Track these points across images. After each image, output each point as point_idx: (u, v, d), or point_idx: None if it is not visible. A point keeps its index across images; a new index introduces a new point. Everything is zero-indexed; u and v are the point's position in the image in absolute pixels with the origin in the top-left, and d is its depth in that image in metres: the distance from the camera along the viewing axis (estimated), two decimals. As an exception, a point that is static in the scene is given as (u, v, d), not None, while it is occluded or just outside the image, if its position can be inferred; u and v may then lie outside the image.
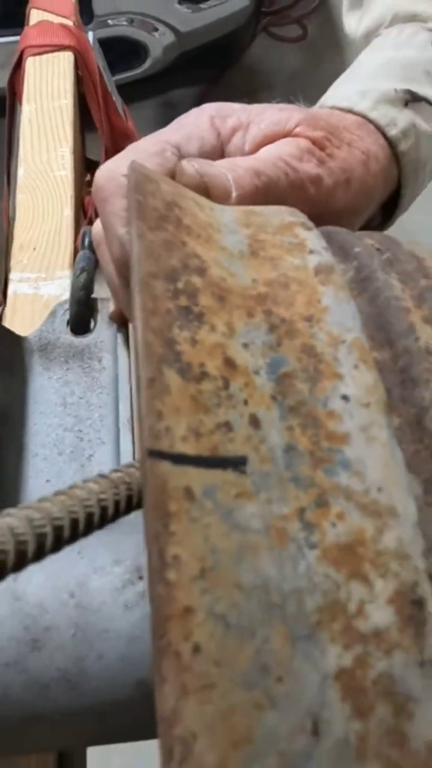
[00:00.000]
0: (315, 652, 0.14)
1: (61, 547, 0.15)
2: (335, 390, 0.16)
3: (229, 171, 0.31)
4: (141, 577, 0.25)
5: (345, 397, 0.16)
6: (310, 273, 0.19)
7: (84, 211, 0.57)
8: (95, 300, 0.41)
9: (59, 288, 0.46)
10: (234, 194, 0.30)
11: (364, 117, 0.37)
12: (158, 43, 1.75)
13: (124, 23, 1.71)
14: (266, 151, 0.33)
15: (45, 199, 0.52)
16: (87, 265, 0.40)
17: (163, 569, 0.13)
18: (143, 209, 0.19)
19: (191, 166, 0.30)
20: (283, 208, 0.24)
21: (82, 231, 0.44)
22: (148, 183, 0.20)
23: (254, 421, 0.15)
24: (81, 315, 0.40)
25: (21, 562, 0.13)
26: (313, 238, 0.21)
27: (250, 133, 0.34)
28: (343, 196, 0.34)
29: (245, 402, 0.16)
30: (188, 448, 0.14)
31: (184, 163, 0.31)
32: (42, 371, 0.39)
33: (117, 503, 0.16)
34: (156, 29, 1.74)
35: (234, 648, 0.13)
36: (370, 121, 0.37)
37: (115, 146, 0.69)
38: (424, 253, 0.24)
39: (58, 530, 0.14)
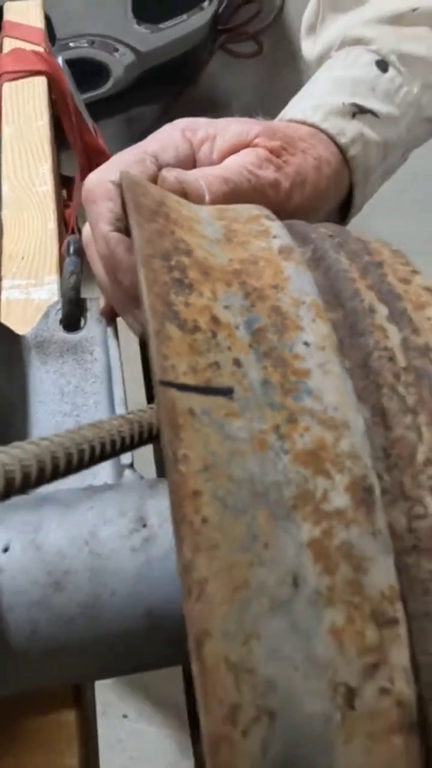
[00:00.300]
0: (292, 527, 0.18)
1: (90, 464, 0.19)
2: (298, 338, 0.21)
3: (202, 178, 0.36)
4: (144, 525, 0.30)
5: (306, 343, 0.21)
6: (274, 252, 0.24)
7: (65, 224, 0.61)
8: (84, 299, 0.45)
9: (48, 292, 0.50)
10: (207, 198, 0.35)
11: (317, 127, 0.42)
12: (119, 63, 1.79)
13: (85, 45, 1.75)
14: (231, 161, 0.38)
15: (29, 213, 0.56)
16: (75, 269, 0.45)
17: (177, 464, 0.17)
18: (138, 206, 0.23)
19: (171, 175, 0.35)
20: (250, 206, 0.29)
21: (66, 240, 0.48)
22: (139, 186, 0.25)
23: (237, 362, 0.20)
24: (72, 313, 0.44)
25: (55, 473, 0.18)
26: (276, 226, 0.26)
27: (216, 144, 0.39)
28: (299, 197, 0.39)
29: (229, 348, 0.20)
30: (189, 380, 0.19)
31: (164, 172, 0.35)
32: (39, 365, 0.43)
33: (132, 436, 0.21)
34: (116, 50, 1.78)
35: (231, 521, 0.17)
36: (322, 131, 0.42)
37: (89, 162, 0.74)
38: (369, 237, 0.29)
39: (92, 450, 0.19)
